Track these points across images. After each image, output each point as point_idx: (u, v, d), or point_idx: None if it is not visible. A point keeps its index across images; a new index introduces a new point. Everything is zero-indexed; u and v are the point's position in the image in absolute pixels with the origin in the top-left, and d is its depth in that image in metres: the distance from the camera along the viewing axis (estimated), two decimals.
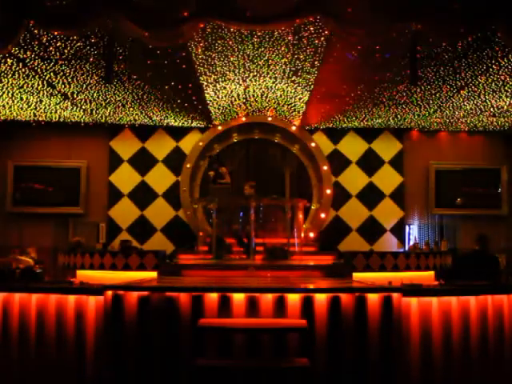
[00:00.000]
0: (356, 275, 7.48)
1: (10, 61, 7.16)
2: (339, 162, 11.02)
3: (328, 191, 10.74)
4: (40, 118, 10.12)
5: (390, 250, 9.57)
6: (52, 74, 7.74)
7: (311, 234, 10.49)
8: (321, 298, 4.79)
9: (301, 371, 4.57)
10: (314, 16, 5.85)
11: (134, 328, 4.77)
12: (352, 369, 4.71)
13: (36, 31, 6.24)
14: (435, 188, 10.90)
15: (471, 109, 9.35)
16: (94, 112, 9.76)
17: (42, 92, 8.55)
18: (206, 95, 9.04)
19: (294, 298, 4.80)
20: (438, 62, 7.23)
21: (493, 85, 8.02)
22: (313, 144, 10.85)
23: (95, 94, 8.73)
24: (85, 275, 7.75)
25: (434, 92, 8.49)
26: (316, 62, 7.59)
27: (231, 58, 7.47)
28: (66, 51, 6.93)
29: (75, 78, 7.97)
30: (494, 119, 9.97)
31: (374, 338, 4.74)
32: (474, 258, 7.18)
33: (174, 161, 10.84)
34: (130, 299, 4.81)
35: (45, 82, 8.10)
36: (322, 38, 6.79)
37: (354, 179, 11.01)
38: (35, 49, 6.81)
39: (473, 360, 5.06)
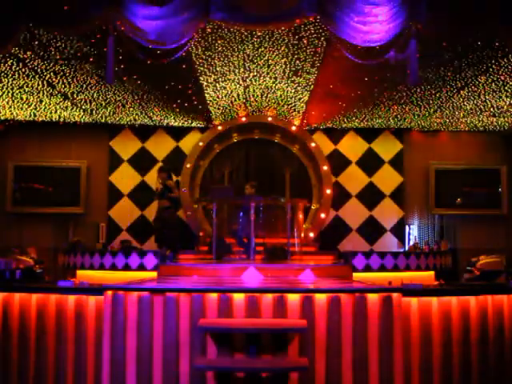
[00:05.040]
0: (356, 275, 7.49)
1: (10, 61, 7.15)
2: (339, 162, 11.01)
3: (328, 191, 10.73)
4: (40, 118, 10.11)
5: (390, 250, 9.58)
6: (52, 73, 7.74)
7: (311, 234, 10.49)
8: (321, 298, 4.79)
9: (301, 371, 4.57)
10: (314, 16, 5.85)
11: (133, 328, 4.77)
12: (352, 369, 4.71)
13: (36, 31, 6.24)
14: (435, 188, 10.89)
15: (471, 109, 9.35)
16: (93, 112, 9.75)
17: (41, 92, 8.55)
18: (205, 95, 9.04)
19: (294, 298, 4.80)
20: (438, 62, 7.23)
21: (493, 85, 8.01)
22: (313, 144, 10.84)
23: (95, 94, 8.73)
24: (85, 275, 7.76)
25: (434, 92, 8.49)
26: (316, 62, 7.59)
27: (231, 58, 7.47)
28: (66, 51, 6.93)
29: (75, 78, 7.97)
30: (494, 119, 9.96)
31: (373, 338, 4.74)
32: None
33: (174, 161, 10.83)
34: (130, 299, 4.81)
35: (45, 82, 8.09)
36: (322, 38, 6.79)
37: (354, 179, 11.00)
38: (35, 49, 6.81)
39: (473, 360, 5.06)
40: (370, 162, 11.01)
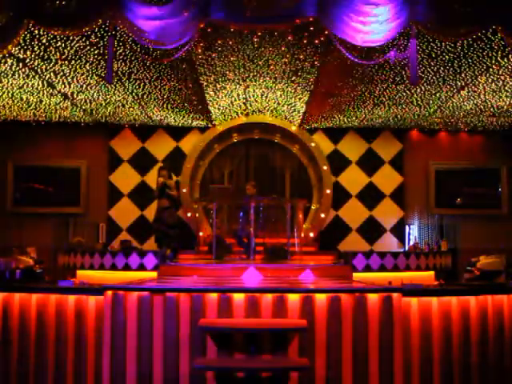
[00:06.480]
0: (356, 275, 7.49)
1: (9, 61, 7.15)
2: (339, 162, 11.01)
3: (328, 191, 10.72)
4: (40, 118, 10.12)
5: (389, 250, 9.57)
6: (52, 73, 7.74)
7: (311, 234, 10.49)
8: (321, 298, 4.79)
9: (301, 371, 4.57)
10: (314, 16, 5.84)
11: (133, 328, 4.77)
12: (352, 369, 4.71)
13: (36, 31, 6.24)
14: (435, 188, 10.90)
15: (471, 109, 9.35)
16: (93, 112, 9.76)
17: (41, 92, 8.55)
18: (206, 95, 9.04)
19: (294, 298, 4.80)
20: (438, 62, 7.23)
21: (493, 85, 8.02)
22: (313, 144, 10.84)
23: (95, 94, 8.73)
24: (85, 275, 7.77)
25: (433, 92, 8.49)
26: (316, 62, 7.59)
27: (231, 58, 7.47)
28: (66, 51, 6.93)
29: (75, 78, 7.97)
30: (494, 119, 9.96)
31: (374, 338, 4.74)
32: None
33: (174, 161, 10.83)
34: (130, 299, 4.81)
35: (45, 82, 8.10)
36: (322, 38, 6.79)
37: (354, 179, 11.00)
38: (35, 49, 6.81)
39: (473, 360, 5.06)
40: (370, 162, 11.01)
